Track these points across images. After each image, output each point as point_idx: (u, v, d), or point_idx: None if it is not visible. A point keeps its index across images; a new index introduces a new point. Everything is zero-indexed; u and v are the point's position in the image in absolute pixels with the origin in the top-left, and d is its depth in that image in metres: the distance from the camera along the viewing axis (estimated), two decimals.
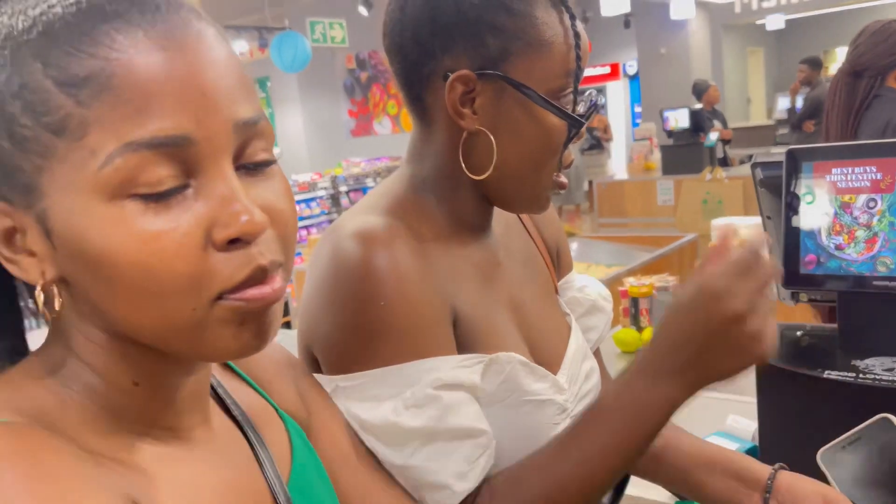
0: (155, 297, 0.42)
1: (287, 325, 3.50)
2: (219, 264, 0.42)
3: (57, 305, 0.44)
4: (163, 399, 0.48)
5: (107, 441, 0.45)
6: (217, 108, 0.42)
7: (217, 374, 0.59)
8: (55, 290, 0.44)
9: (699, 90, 6.88)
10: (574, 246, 3.89)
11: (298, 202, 6.73)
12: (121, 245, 0.41)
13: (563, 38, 0.73)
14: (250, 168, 0.45)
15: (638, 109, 10.72)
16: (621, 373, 0.71)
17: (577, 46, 0.74)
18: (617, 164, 10.19)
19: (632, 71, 11.02)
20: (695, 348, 0.65)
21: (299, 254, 6.40)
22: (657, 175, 6.50)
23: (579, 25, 0.75)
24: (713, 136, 6.29)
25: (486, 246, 0.84)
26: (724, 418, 1.37)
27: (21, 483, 0.37)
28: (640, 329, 2.03)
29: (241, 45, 7.55)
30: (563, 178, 0.79)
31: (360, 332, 0.69)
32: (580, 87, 0.76)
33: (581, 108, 0.77)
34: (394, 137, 9.49)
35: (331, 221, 6.89)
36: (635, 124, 10.65)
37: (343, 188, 7.15)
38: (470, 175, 0.75)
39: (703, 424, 1.43)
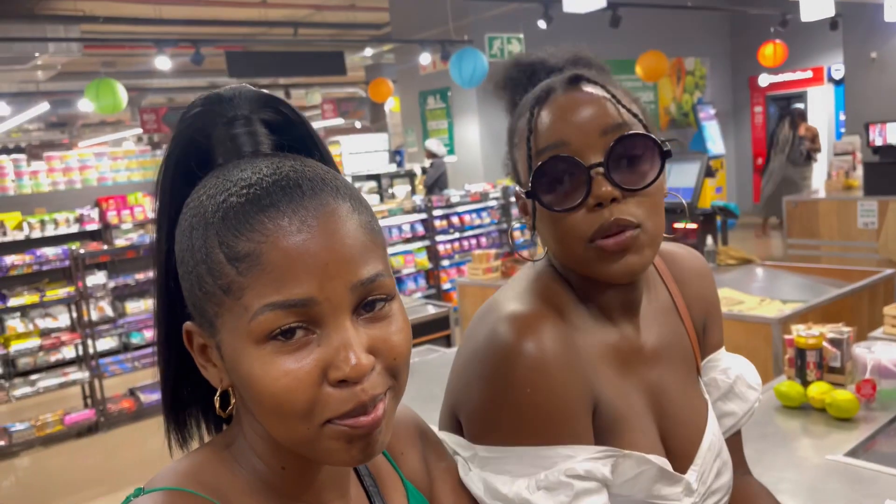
0: (280, 418, 0.55)
1: (447, 338, 3.61)
2: (329, 397, 0.54)
3: (230, 403, 0.60)
4: (305, 481, 0.62)
5: None
6: (337, 275, 0.54)
7: None
8: (231, 391, 0.59)
9: None
10: (756, 274, 3.63)
11: (470, 212, 6.90)
12: (260, 378, 0.54)
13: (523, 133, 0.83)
14: (370, 312, 0.56)
15: (843, 118, 9.72)
16: None
17: (528, 139, 0.81)
18: (817, 175, 9.33)
19: (838, 75, 10.03)
20: None
21: (462, 263, 6.56)
22: (858, 194, 5.88)
23: (539, 112, 0.81)
24: None
25: (627, 329, 0.86)
26: (880, 501, 1.25)
27: None
28: (805, 383, 1.88)
29: (425, 58, 7.87)
30: (606, 243, 0.78)
31: (504, 411, 0.75)
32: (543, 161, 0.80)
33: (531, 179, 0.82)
34: None
35: (500, 231, 7.02)
36: (839, 134, 9.68)
37: (513, 199, 7.20)
38: (552, 257, 0.86)
39: None
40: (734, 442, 0.98)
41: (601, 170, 0.76)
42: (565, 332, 0.79)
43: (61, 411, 4.76)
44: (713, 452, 0.87)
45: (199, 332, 0.58)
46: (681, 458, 0.83)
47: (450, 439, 0.81)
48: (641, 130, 0.78)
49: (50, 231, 5.80)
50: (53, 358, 5.88)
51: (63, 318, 5.40)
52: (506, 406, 0.75)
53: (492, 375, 0.76)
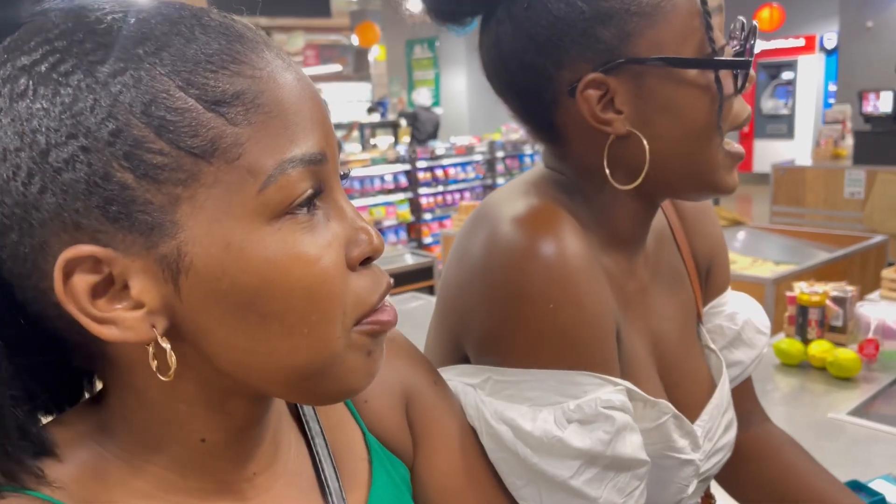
0: (313, 326, 0.40)
1: (430, 289, 3.52)
2: (357, 286, 0.42)
3: (171, 363, 0.39)
4: (225, 454, 0.45)
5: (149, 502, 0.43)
6: (331, 127, 0.43)
7: None
8: (151, 348, 0.39)
9: None
10: (741, 236, 3.57)
11: (454, 165, 6.77)
12: (288, 269, 0.39)
13: None
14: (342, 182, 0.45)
15: (832, 88, 9.67)
16: None
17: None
18: (801, 147, 9.31)
19: (830, 45, 9.93)
20: None
21: (444, 217, 6.45)
22: (847, 164, 5.84)
23: None
24: None
25: (634, 267, 0.74)
26: (887, 461, 1.19)
27: None
28: (805, 341, 1.82)
29: (414, 4, 7.63)
30: (739, 147, 0.67)
31: (521, 331, 0.62)
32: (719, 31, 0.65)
33: (731, 48, 0.66)
34: None
35: (485, 187, 6.90)
36: (827, 105, 9.64)
37: (500, 154, 7.10)
38: (620, 186, 0.66)
39: (870, 465, 1.25)
40: (745, 389, 0.90)
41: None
42: (585, 235, 0.65)
43: None
44: (720, 409, 0.78)
45: (101, 256, 0.37)
46: (685, 412, 0.73)
47: (452, 371, 0.68)
48: None
49: None
50: None
51: None
52: (523, 325, 0.62)
53: (502, 290, 0.62)
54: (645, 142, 0.64)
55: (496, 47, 0.67)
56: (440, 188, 6.72)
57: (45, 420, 0.44)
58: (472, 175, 6.89)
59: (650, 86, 0.63)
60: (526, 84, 0.66)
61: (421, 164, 6.55)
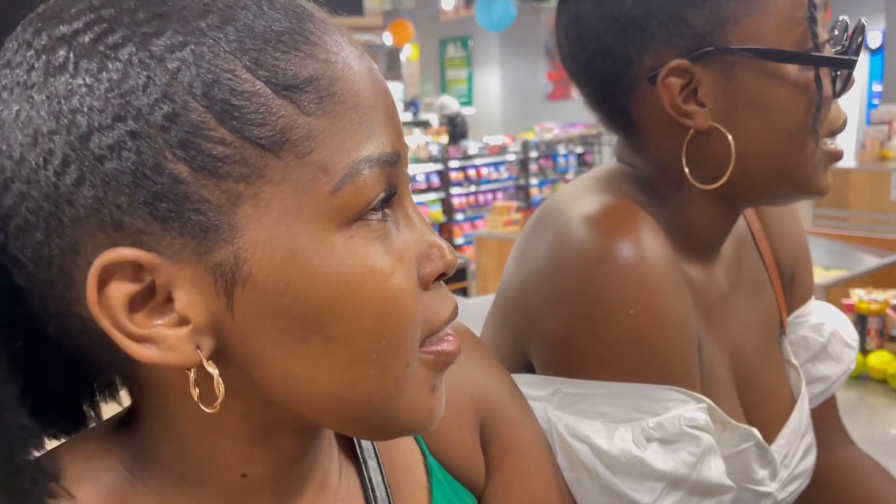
0: (382, 352, 0.35)
1: (463, 291, 3.46)
2: (427, 307, 0.37)
3: (219, 393, 0.33)
4: (268, 488, 0.40)
5: None
6: (401, 126, 0.38)
7: None
8: (193, 373, 0.33)
9: None
10: None
11: (487, 165, 6.72)
12: (360, 285, 0.33)
13: None
14: None
15: (877, 88, 9.41)
16: None
17: None
18: (844, 148, 9.06)
19: (874, 44, 9.66)
20: None
21: (476, 218, 6.39)
22: (893, 166, 5.65)
23: None
24: None
25: (713, 274, 0.69)
26: None
27: None
28: (864, 352, 1.72)
29: (447, 3, 7.59)
30: (838, 146, 0.63)
31: (596, 340, 0.57)
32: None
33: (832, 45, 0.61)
34: None
35: (517, 187, 6.83)
36: (871, 105, 9.38)
37: (533, 154, 7.02)
38: (701, 186, 0.61)
39: None
40: (828, 409, 0.84)
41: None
42: (664, 236, 0.60)
43: None
44: (799, 432, 0.72)
45: (156, 261, 0.32)
46: (762, 432, 0.68)
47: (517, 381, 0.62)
48: None
49: None
50: None
51: None
52: (596, 333, 0.57)
53: (571, 295, 0.57)
54: (731, 138, 0.58)
55: (574, 25, 0.63)
56: (472, 188, 6.67)
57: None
58: (504, 175, 6.82)
59: (740, 79, 0.58)
60: (603, 67, 0.62)
61: (453, 163, 6.50)
